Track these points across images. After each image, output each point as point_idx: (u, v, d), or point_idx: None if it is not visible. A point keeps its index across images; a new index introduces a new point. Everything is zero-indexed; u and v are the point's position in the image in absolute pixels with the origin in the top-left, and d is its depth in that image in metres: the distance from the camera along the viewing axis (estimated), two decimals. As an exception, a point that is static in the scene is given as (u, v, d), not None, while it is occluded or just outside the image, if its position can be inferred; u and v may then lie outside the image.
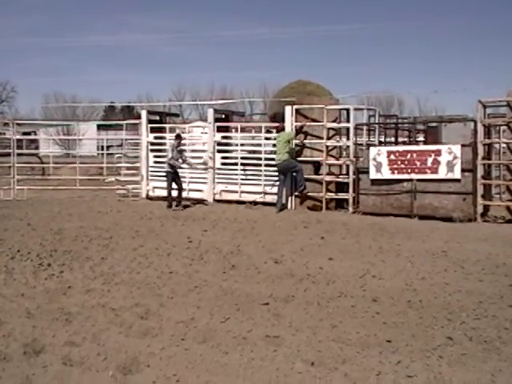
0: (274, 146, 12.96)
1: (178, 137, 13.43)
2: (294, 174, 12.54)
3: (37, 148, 37.53)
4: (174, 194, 13.11)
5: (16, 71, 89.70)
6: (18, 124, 19.02)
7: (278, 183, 12.82)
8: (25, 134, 35.02)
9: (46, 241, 8.46)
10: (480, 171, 10.93)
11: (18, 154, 16.72)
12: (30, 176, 18.62)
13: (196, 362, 3.94)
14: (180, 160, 13.11)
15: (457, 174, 10.91)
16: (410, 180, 11.39)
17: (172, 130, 16.06)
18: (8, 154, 16.43)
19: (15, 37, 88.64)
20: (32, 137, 40.27)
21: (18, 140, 18.24)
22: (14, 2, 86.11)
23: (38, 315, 4.97)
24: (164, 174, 13.37)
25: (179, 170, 13.32)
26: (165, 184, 13.40)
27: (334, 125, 12.83)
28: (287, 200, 12.73)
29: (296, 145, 12.78)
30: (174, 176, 13.06)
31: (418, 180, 11.30)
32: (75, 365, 3.88)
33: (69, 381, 3.66)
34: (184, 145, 13.70)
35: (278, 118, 13.74)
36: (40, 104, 60.28)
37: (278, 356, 4.04)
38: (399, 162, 11.55)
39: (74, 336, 4.42)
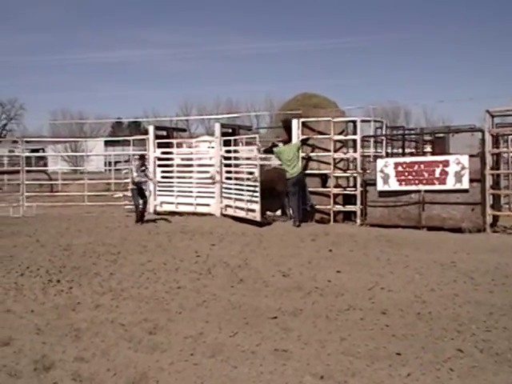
0: (279, 159, 12.73)
1: (142, 157, 13.76)
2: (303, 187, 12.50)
3: (45, 165, 37.85)
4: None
5: (24, 89, 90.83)
6: (26, 141, 19.20)
7: (291, 197, 12.43)
8: (33, 151, 35.35)
9: (55, 257, 8.50)
10: (488, 181, 10.89)
11: (27, 171, 16.86)
12: (39, 193, 18.72)
13: (205, 376, 3.94)
14: (143, 178, 13.26)
15: (465, 185, 10.88)
16: (418, 191, 11.36)
17: (179, 145, 16.15)
18: (17, 172, 16.58)
19: (23, 54, 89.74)
20: (40, 154, 40.57)
21: (27, 157, 18.44)
22: (20, 20, 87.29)
23: (48, 331, 4.99)
24: (130, 191, 13.63)
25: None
26: (172, 199, 13.55)
27: (341, 137, 12.86)
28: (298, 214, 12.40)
29: (302, 158, 12.78)
30: (138, 192, 13.18)
31: (426, 191, 11.28)
32: (85, 380, 3.89)
33: (78, 397, 3.66)
34: (146, 166, 13.71)
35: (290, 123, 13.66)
36: (48, 121, 60.87)
37: (287, 370, 4.03)
38: (407, 174, 11.54)
39: (83, 352, 4.43)
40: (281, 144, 13.08)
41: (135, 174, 13.15)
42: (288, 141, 12.82)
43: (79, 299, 6.10)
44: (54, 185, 21.49)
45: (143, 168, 13.39)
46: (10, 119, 58.70)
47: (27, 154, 19.19)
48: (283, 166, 12.52)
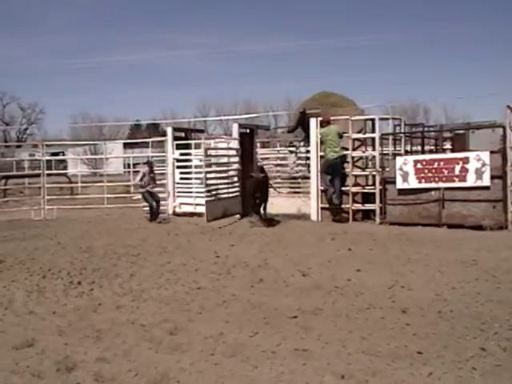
0: (321, 142, 12.57)
1: (150, 164, 14.35)
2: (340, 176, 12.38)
3: (65, 168, 38.17)
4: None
5: (43, 92, 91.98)
6: (46, 145, 19.42)
7: (326, 182, 12.37)
8: (53, 154, 35.74)
9: (76, 259, 8.59)
10: (510, 178, 10.72)
11: (48, 175, 17.04)
12: (59, 196, 18.93)
13: (226, 376, 3.95)
14: (149, 186, 13.86)
15: (486, 182, 10.75)
16: (438, 189, 11.25)
17: (197, 146, 16.21)
18: (38, 175, 16.79)
19: (42, 58, 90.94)
20: (60, 157, 41.03)
21: (47, 161, 18.63)
22: (40, 24, 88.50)
23: (70, 333, 5.05)
24: (140, 195, 14.26)
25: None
26: (191, 200, 13.72)
27: (360, 135, 12.79)
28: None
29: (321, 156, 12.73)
30: (148, 193, 13.83)
31: (446, 188, 11.16)
32: (107, 381, 3.93)
33: (100, 397, 3.70)
34: (154, 172, 14.32)
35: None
36: (67, 124, 61.56)
37: (308, 369, 4.02)
38: (426, 171, 11.44)
39: (105, 352, 4.47)
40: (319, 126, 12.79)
41: (139, 178, 13.96)
42: (328, 122, 12.62)
43: (100, 300, 6.16)
44: (74, 187, 21.74)
45: (152, 175, 14.03)
46: (31, 123, 59.50)
47: (48, 158, 19.37)
48: (325, 146, 12.44)
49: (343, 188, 12.42)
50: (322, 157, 12.66)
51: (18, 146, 51.97)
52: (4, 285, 6.87)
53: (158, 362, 4.22)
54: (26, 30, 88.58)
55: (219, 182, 14.23)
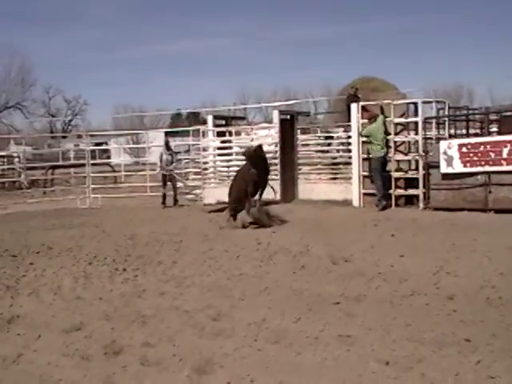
0: (367, 137, 12.23)
1: (167, 143, 15.52)
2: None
3: (108, 157, 38.91)
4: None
5: (87, 84, 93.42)
6: (90, 135, 19.84)
7: (376, 177, 12.10)
8: (97, 144, 36.40)
9: (120, 246, 8.76)
10: (560, 160, 10.35)
11: (92, 164, 17.43)
12: (104, 184, 19.32)
13: (269, 362, 3.95)
14: (171, 165, 14.96)
15: (535, 165, 10.39)
16: (484, 173, 10.93)
17: (238, 134, 16.25)
18: (83, 165, 17.18)
19: (85, 51, 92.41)
20: (104, 147, 41.80)
21: (92, 151, 19.03)
22: (81, 17, 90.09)
23: (116, 318, 5.15)
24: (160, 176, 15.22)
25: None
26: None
27: (402, 120, 12.54)
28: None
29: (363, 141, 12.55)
30: (167, 177, 14.77)
31: (493, 172, 10.83)
32: (152, 365, 3.99)
33: (147, 380, 3.76)
34: (171, 149, 15.40)
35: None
36: (110, 115, 62.61)
37: (352, 355, 3.99)
38: (472, 155, 11.12)
39: (149, 337, 4.54)
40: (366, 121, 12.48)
41: (161, 159, 14.92)
42: (373, 116, 12.20)
43: (144, 287, 6.26)
44: (118, 176, 22.12)
45: (169, 152, 15.06)
46: (75, 115, 60.62)
47: (92, 148, 19.79)
48: (371, 144, 12.13)
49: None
50: (367, 156, 12.38)
51: (64, 137, 53.19)
52: (53, 271, 7.07)
53: (202, 347, 4.26)
54: (69, 24, 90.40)
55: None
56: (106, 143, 46.64)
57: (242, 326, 4.74)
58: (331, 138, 15.66)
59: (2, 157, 26.39)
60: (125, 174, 21.95)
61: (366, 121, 12.49)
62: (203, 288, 6.10)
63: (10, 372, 3.99)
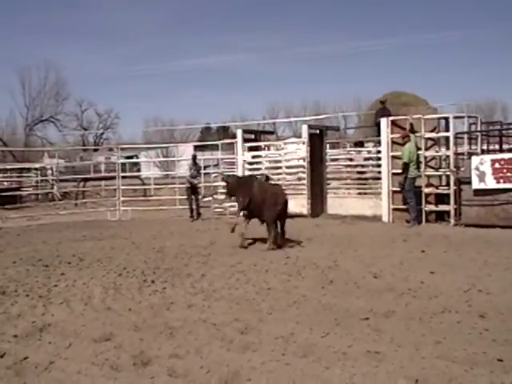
0: (401, 158, 12.02)
1: (194, 157, 15.66)
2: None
3: (138, 170, 39.42)
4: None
5: (118, 98, 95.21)
6: (121, 149, 20.14)
7: (410, 197, 11.96)
8: (128, 157, 37.00)
9: (149, 258, 8.84)
10: None
11: (122, 177, 17.69)
12: (133, 197, 19.56)
13: (297, 376, 3.93)
14: (197, 179, 15.25)
15: None
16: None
17: (267, 148, 16.35)
18: (113, 178, 17.45)
19: (116, 66, 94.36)
20: (134, 160, 42.40)
21: (122, 164, 19.34)
22: (113, 32, 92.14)
23: (144, 329, 5.19)
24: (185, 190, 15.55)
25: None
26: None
27: (433, 134, 12.42)
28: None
29: (393, 157, 12.45)
30: (191, 191, 15.09)
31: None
32: (180, 377, 4.01)
33: (174, 392, 3.78)
34: (197, 164, 15.61)
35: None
36: (141, 129, 63.52)
37: (380, 372, 3.94)
38: (505, 171, 10.95)
39: (177, 349, 4.56)
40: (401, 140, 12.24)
41: (189, 173, 15.16)
42: (407, 135, 11.99)
43: (173, 299, 6.30)
44: (147, 189, 22.37)
45: (196, 167, 15.37)
46: (107, 128, 61.75)
47: (122, 161, 20.13)
48: (406, 165, 11.88)
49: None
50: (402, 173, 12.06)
51: (95, 150, 54.20)
52: (83, 281, 7.17)
53: (230, 360, 4.26)
54: (100, 40, 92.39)
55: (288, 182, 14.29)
56: (137, 156, 47.32)
57: (269, 340, 4.72)
58: (361, 144, 15.66)
59: (36, 169, 27.05)
60: (154, 187, 22.18)
61: (396, 135, 12.39)
62: (231, 301, 6.11)
63: (42, 379, 4.06)
